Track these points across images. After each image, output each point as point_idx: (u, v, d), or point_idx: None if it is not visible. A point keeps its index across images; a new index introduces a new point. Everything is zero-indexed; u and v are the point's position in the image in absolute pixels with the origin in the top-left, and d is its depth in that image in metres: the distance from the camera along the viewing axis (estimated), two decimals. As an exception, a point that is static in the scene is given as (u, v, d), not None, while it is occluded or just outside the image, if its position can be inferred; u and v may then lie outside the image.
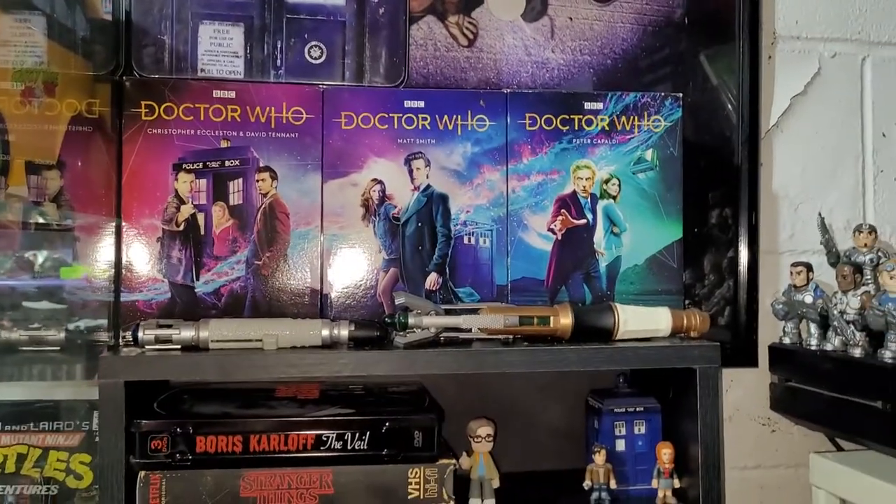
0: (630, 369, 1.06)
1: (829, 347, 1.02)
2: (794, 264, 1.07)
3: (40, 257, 0.89)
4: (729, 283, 1.12)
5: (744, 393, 1.15)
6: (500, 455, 0.96)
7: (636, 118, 0.99)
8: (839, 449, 1.12)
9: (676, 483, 0.93)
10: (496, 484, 0.93)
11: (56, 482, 0.93)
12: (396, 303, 0.87)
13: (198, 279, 0.91)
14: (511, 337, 0.90)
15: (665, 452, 0.92)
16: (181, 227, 0.91)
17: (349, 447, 0.84)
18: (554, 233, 0.98)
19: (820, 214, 1.12)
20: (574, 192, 0.98)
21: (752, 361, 1.14)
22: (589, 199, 0.98)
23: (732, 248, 1.12)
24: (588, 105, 0.98)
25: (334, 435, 0.83)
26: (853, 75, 1.19)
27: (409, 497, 0.84)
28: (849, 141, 1.19)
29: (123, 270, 0.90)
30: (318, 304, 0.93)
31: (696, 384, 0.89)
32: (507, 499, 0.92)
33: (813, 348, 1.04)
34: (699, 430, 0.89)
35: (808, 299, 1.05)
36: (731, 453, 1.15)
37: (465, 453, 0.93)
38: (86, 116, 0.92)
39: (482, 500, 0.91)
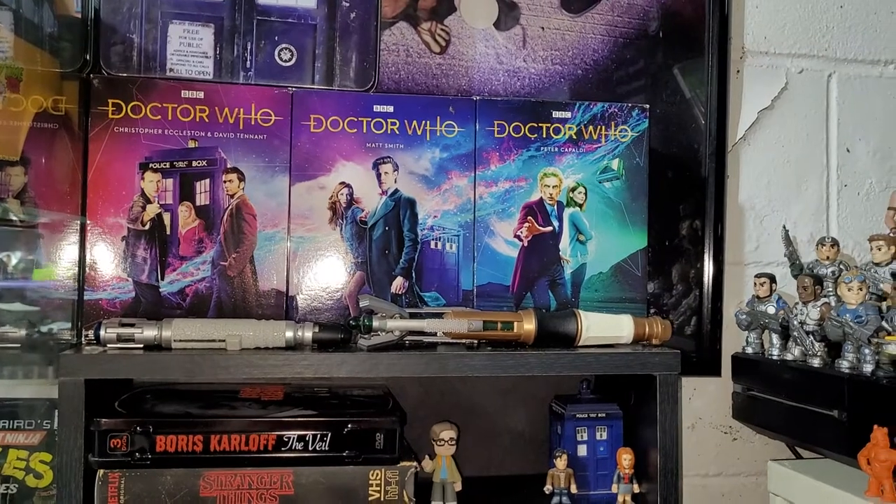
0: (593, 376, 1.07)
1: (789, 357, 1.04)
2: (758, 276, 1.08)
3: (13, 258, 0.89)
4: (695, 294, 1.14)
5: (706, 402, 1.17)
6: (462, 459, 0.97)
7: (603, 128, 1.00)
8: (798, 457, 1.13)
9: (636, 488, 0.94)
10: (458, 487, 0.94)
11: (15, 481, 0.92)
12: (361, 305, 0.88)
13: (163, 279, 0.91)
14: (475, 342, 0.91)
15: (625, 458, 0.93)
16: (146, 227, 0.91)
17: (310, 448, 0.84)
18: (520, 239, 0.98)
19: (784, 227, 1.14)
20: (541, 200, 0.99)
21: (715, 371, 1.16)
22: (555, 207, 0.99)
23: (699, 258, 1.14)
24: (556, 114, 0.99)
25: (295, 436, 0.83)
26: (819, 91, 1.21)
27: (370, 499, 0.85)
28: (814, 155, 1.21)
29: (87, 269, 0.90)
30: (283, 307, 0.93)
31: (655, 391, 0.90)
32: (468, 503, 0.93)
33: (774, 358, 1.06)
34: (658, 436, 0.90)
35: (771, 310, 1.07)
36: (693, 461, 1.16)
37: (427, 457, 0.94)
38: (51, 113, 0.91)
39: (444, 504, 0.92)
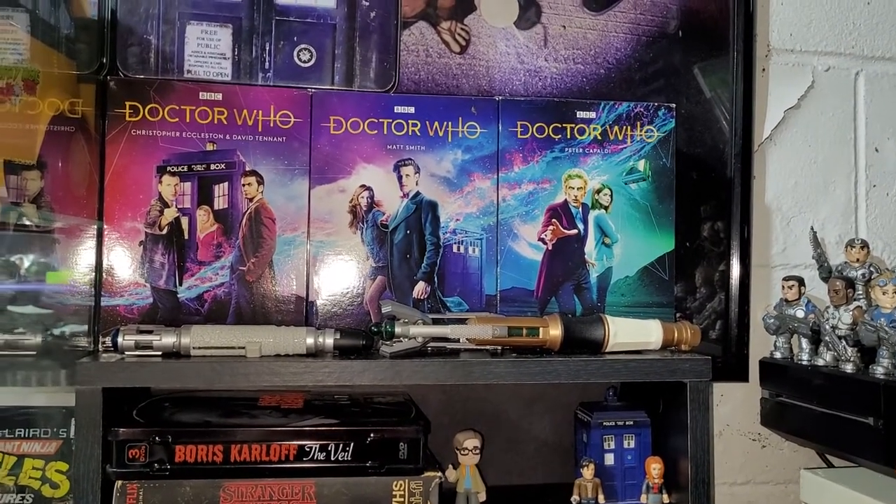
0: (620, 382, 1.04)
1: (820, 363, 1.01)
2: (786, 278, 1.06)
3: (26, 261, 0.87)
4: (720, 297, 1.11)
5: (734, 408, 1.14)
6: (486, 468, 0.95)
7: (629, 128, 0.98)
8: (829, 465, 1.10)
9: (666, 498, 0.91)
10: (482, 497, 0.91)
11: (31, 490, 0.91)
12: (383, 311, 0.85)
13: (181, 284, 0.89)
14: (499, 348, 0.88)
15: (654, 467, 0.91)
16: (164, 231, 0.89)
17: (332, 458, 0.82)
18: (544, 242, 0.96)
19: (812, 228, 1.11)
20: (565, 202, 0.97)
21: (742, 376, 1.13)
22: (580, 209, 0.97)
23: (724, 261, 1.11)
24: (581, 114, 0.97)
25: (317, 445, 0.81)
26: (846, 89, 1.19)
27: (393, 510, 0.82)
28: (842, 155, 1.18)
29: (105, 274, 0.88)
30: (303, 312, 0.91)
31: (686, 398, 0.88)
32: (493, 513, 0.91)
33: (804, 363, 1.03)
34: (689, 444, 0.87)
35: (800, 314, 1.04)
36: (721, 469, 1.13)
37: (451, 466, 0.92)
38: (68, 116, 0.90)
39: (468, 514, 0.90)
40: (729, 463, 1.14)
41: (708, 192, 1.10)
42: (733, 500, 1.13)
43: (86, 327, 0.90)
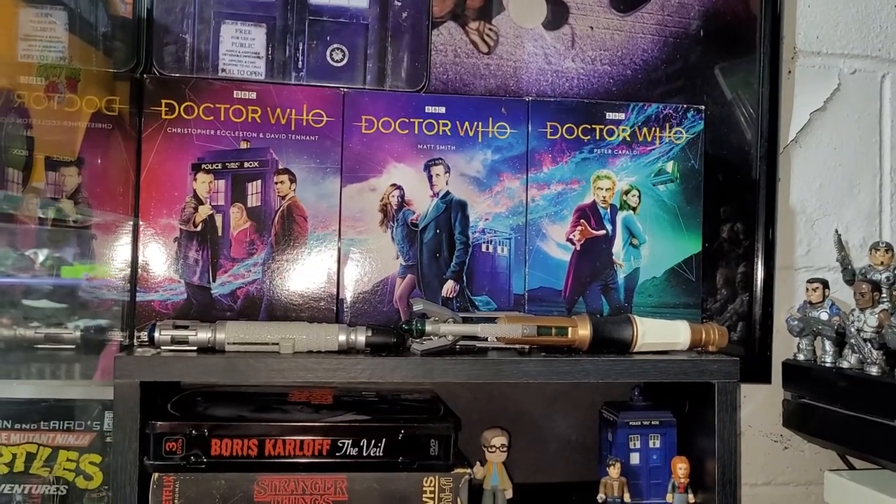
0: (645, 382, 1.05)
1: (845, 365, 1.02)
2: (811, 280, 1.06)
3: (41, 255, 0.88)
4: (742, 299, 1.12)
5: (756, 409, 1.14)
6: (510, 466, 0.95)
7: (658, 129, 0.99)
8: (851, 467, 1.11)
9: (691, 498, 0.92)
10: (509, 495, 0.92)
11: (65, 482, 0.92)
12: (414, 309, 0.86)
13: (214, 280, 0.90)
14: (527, 347, 0.89)
15: (681, 467, 0.91)
16: (199, 228, 0.90)
17: (364, 454, 0.83)
18: (573, 243, 0.97)
19: (837, 231, 1.12)
20: (594, 203, 0.98)
21: (765, 378, 1.13)
22: (608, 210, 0.97)
23: (746, 262, 1.12)
24: (610, 115, 0.98)
25: (350, 441, 0.82)
26: (872, 92, 1.19)
27: (423, 506, 0.83)
28: (867, 158, 1.18)
29: (140, 270, 0.89)
30: (334, 309, 0.92)
31: (713, 399, 0.88)
32: (519, 510, 0.92)
33: (828, 365, 1.03)
34: (716, 445, 0.88)
35: (824, 316, 1.05)
36: (743, 469, 1.14)
37: (478, 463, 0.92)
38: (105, 114, 0.91)
39: (495, 511, 0.90)
40: (751, 464, 1.14)
41: (732, 194, 1.10)
42: (755, 501, 1.14)
43: (118, 321, 0.91)
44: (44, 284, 0.88)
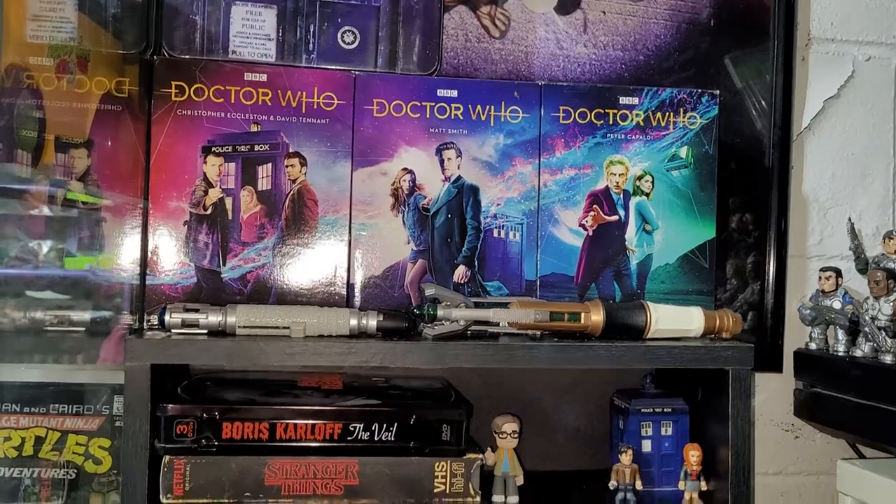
0: (657, 370, 1.04)
1: (858, 354, 1.01)
2: (824, 269, 1.05)
3: (45, 246, 0.87)
4: (753, 288, 1.11)
5: (767, 398, 1.14)
6: (522, 454, 0.95)
7: (672, 114, 0.98)
8: (861, 457, 1.10)
9: (703, 486, 0.91)
10: (520, 481, 0.92)
11: (74, 466, 0.92)
12: (426, 294, 0.86)
13: (224, 264, 0.90)
14: (538, 333, 0.89)
15: (693, 454, 0.91)
16: (209, 212, 0.90)
17: (376, 438, 0.82)
18: (585, 228, 0.96)
19: (850, 220, 1.11)
20: (606, 188, 0.97)
21: (776, 367, 1.13)
22: (621, 196, 0.97)
23: (758, 251, 1.11)
24: (623, 100, 0.97)
25: (361, 426, 0.82)
26: (887, 79, 1.17)
27: (436, 491, 0.83)
28: (880, 146, 1.17)
29: (150, 254, 0.89)
30: (344, 294, 0.92)
31: (727, 386, 0.88)
32: (531, 496, 0.91)
33: (841, 354, 1.03)
34: (730, 432, 0.87)
35: (837, 305, 1.04)
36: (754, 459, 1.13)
37: (489, 449, 0.92)
38: (115, 95, 0.90)
39: (506, 497, 0.90)
40: (761, 453, 1.13)
41: (744, 183, 1.09)
42: (765, 491, 1.13)
43: (128, 302, 0.90)
44: (48, 275, 0.88)
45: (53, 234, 0.89)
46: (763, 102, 1.10)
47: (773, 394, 1.14)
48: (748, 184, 1.10)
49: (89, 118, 0.88)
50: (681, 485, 0.92)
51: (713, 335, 0.91)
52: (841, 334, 1.04)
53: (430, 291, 0.86)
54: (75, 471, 0.92)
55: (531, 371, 1.04)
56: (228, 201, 0.90)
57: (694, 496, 0.91)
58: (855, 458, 1.10)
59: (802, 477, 1.14)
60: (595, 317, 0.87)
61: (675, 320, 0.90)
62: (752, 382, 0.87)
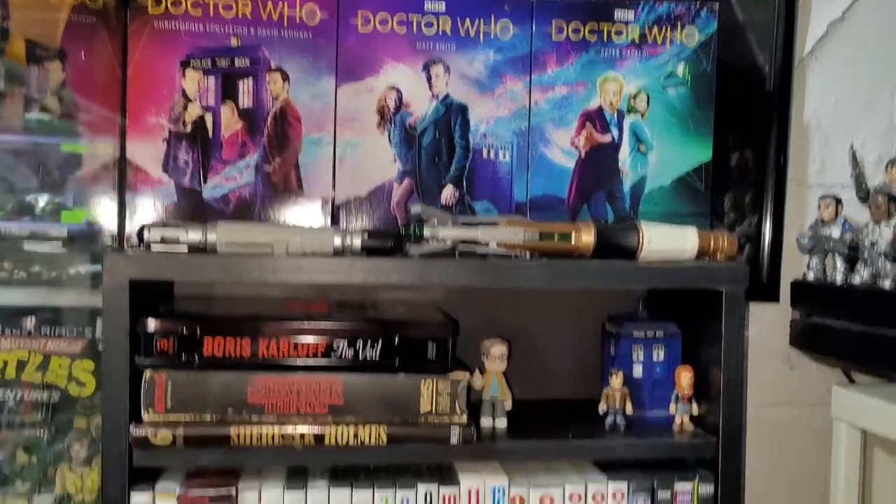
0: (649, 294, 1.02)
1: (856, 280, 0.99)
2: (823, 197, 1.03)
3: (41, 201, 0.85)
4: (751, 220, 1.08)
5: (763, 329, 1.12)
6: (512, 382, 0.93)
7: (669, 29, 0.94)
8: (858, 387, 1.09)
9: (695, 409, 0.90)
10: (508, 405, 0.90)
11: (58, 389, 0.91)
12: (412, 212, 0.84)
13: (205, 183, 0.87)
14: (528, 254, 0.86)
15: (684, 377, 0.89)
16: (188, 129, 0.87)
17: (360, 356, 0.81)
18: (577, 149, 0.93)
19: (852, 147, 1.08)
20: (600, 107, 0.94)
21: (773, 297, 1.11)
22: (615, 115, 0.94)
23: (757, 180, 1.08)
24: (619, 14, 0.93)
25: (345, 343, 0.80)
26: (893, 3, 1.13)
27: (421, 410, 0.82)
28: (885, 72, 1.14)
29: (128, 171, 0.86)
30: (329, 214, 0.90)
31: (720, 308, 0.86)
32: (519, 420, 0.90)
33: (839, 282, 1.01)
34: (722, 354, 0.86)
35: (836, 233, 1.02)
36: (748, 390, 1.12)
37: (477, 372, 0.90)
38: (89, 6, 0.87)
39: (494, 420, 0.89)
40: (756, 385, 1.12)
41: (744, 109, 1.06)
42: (758, 422, 1.12)
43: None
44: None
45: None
46: (764, 27, 1.06)
47: (769, 325, 1.12)
48: (750, 108, 1.06)
49: (59, 28, 0.85)
50: (671, 408, 0.90)
51: (707, 257, 0.89)
52: (839, 263, 1.02)
53: (416, 209, 0.83)
54: (59, 393, 0.91)
55: (523, 298, 1.02)
56: (208, 118, 0.87)
57: (685, 419, 0.90)
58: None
59: (798, 408, 1.13)
60: (586, 237, 0.85)
61: (668, 241, 0.87)
62: (747, 310, 0.85)
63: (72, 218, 0.87)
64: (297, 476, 0.83)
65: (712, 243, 0.88)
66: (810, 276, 1.06)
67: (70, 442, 0.90)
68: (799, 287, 1.08)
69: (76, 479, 0.90)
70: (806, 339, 1.07)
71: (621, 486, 0.86)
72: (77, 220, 0.87)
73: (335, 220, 0.90)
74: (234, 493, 0.80)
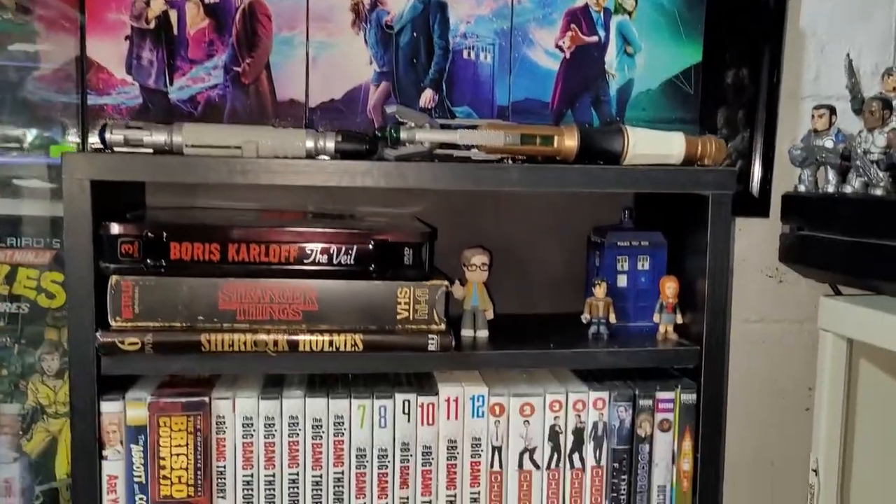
0: (636, 206, 1.00)
1: (848, 190, 0.97)
2: (817, 107, 1.00)
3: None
4: (743, 135, 1.05)
5: (751, 243, 1.10)
6: (495, 297, 0.91)
7: (659, -79, 0.89)
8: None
9: (679, 318, 0.88)
10: (490, 315, 0.89)
11: (27, 300, 0.88)
12: (387, 111, 0.80)
13: (171, 84, 0.83)
14: (510, 160, 0.83)
15: (669, 286, 0.87)
16: (152, 25, 0.83)
17: (335, 261, 0.78)
18: (562, 50, 0.89)
19: (848, 56, 1.04)
20: (586, 6, 0.89)
21: (763, 211, 1.08)
22: (602, 14, 0.89)
23: (750, 92, 1.05)
24: None
25: (318, 248, 0.78)
26: None
27: (398, 317, 0.80)
28: (885, -23, 1.09)
29: (89, 71, 0.82)
30: (302, 118, 0.86)
31: (706, 214, 0.83)
32: (501, 332, 0.88)
33: (830, 192, 0.98)
34: (707, 260, 0.84)
35: (829, 144, 0.99)
36: (735, 305, 1.10)
37: (457, 282, 0.88)
38: None
39: (475, 331, 0.87)
40: (744, 300, 1.10)
41: (736, 15, 1.01)
42: (744, 339, 1.11)
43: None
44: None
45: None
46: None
47: (759, 240, 1.10)
48: (743, 15, 1.02)
49: None
50: (656, 317, 0.89)
51: (695, 162, 0.86)
52: (832, 174, 1.00)
53: (391, 109, 0.80)
54: (28, 305, 0.88)
55: (506, 211, 1.00)
56: (173, 14, 0.83)
57: (669, 329, 0.88)
58: (839, 301, 1.07)
59: (785, 324, 1.12)
60: (569, 141, 0.82)
61: (654, 145, 0.84)
62: (734, 224, 0.82)
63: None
64: (273, 385, 0.82)
65: (700, 148, 0.85)
66: (801, 189, 1.04)
67: (41, 354, 0.89)
68: (790, 200, 1.05)
69: (49, 391, 0.89)
70: (795, 252, 1.05)
71: (602, 394, 0.85)
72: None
73: (309, 124, 0.86)
74: (206, 400, 0.78)
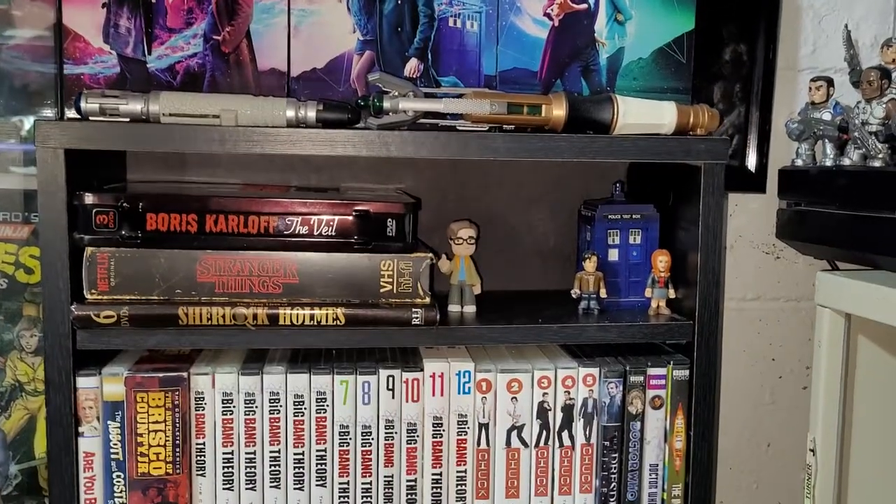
0: (628, 179, 0.98)
1: (846, 162, 0.94)
2: (815, 79, 0.98)
3: None
4: (740, 110, 1.03)
5: (748, 219, 1.08)
6: (484, 272, 0.89)
7: None
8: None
9: (671, 293, 0.86)
10: (477, 290, 0.87)
11: (5, 276, 0.87)
12: (370, 79, 0.78)
13: (150, 53, 0.81)
14: (497, 130, 0.81)
15: (661, 260, 0.85)
16: (129, -8, 0.80)
17: (315, 233, 0.76)
18: (551, 18, 0.87)
19: (846, 27, 1.01)
20: (575, -28, 0.87)
21: (759, 187, 1.06)
22: (591, -20, 0.87)
23: (746, 65, 1.02)
24: None
25: (299, 219, 0.76)
26: None
27: (382, 290, 0.78)
28: (885, -54, 1.06)
29: (65, 39, 0.80)
30: (284, 88, 0.84)
31: (699, 185, 0.81)
32: (488, 307, 0.86)
33: (828, 165, 0.96)
34: (700, 232, 0.81)
35: (827, 116, 0.97)
36: (731, 284, 1.08)
37: (444, 256, 0.86)
38: None
39: (462, 306, 0.85)
40: (739, 278, 1.08)
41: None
42: (740, 317, 1.09)
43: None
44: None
45: None
46: None
47: (754, 215, 1.08)
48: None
49: None
50: (647, 292, 0.87)
51: (687, 132, 0.84)
52: (829, 148, 0.97)
53: (374, 77, 0.78)
54: (6, 280, 0.87)
55: (494, 186, 0.98)
56: (150, -20, 0.81)
57: (661, 303, 0.86)
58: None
59: (782, 303, 1.10)
60: (557, 110, 0.80)
61: (645, 114, 0.82)
62: (726, 199, 0.80)
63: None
64: (254, 361, 0.80)
65: (692, 118, 0.83)
66: (799, 163, 1.01)
67: (20, 330, 0.87)
68: (787, 175, 1.03)
69: (27, 368, 0.87)
70: (792, 227, 1.03)
71: (592, 370, 0.83)
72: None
73: (291, 93, 0.84)
74: (185, 376, 0.76)
